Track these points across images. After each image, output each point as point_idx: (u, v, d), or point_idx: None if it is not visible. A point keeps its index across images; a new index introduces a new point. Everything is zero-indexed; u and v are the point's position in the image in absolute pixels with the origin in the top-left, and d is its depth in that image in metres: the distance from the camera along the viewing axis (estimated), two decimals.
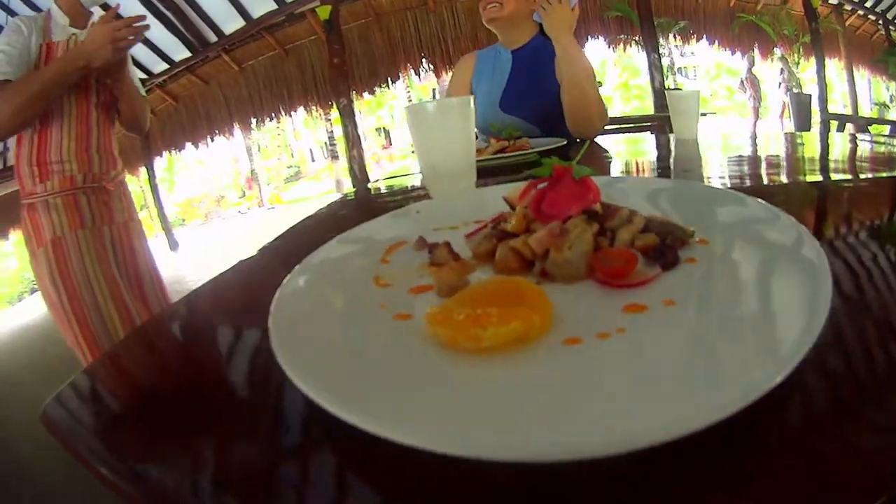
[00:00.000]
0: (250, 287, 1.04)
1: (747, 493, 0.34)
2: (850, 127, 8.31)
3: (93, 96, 2.49)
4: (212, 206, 21.97)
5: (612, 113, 2.43)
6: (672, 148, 2.01)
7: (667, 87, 9.70)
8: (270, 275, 1.08)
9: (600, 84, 2.33)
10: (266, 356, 0.65)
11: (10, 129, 2.30)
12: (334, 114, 10.86)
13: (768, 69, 13.96)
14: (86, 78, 2.41)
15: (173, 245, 12.04)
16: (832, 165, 1.56)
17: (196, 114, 11.40)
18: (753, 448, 0.37)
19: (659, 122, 4.49)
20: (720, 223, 0.72)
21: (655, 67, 9.37)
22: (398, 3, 9.90)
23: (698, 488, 0.35)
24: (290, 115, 11.40)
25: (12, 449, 3.53)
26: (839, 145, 1.95)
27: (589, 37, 10.12)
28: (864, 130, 7.46)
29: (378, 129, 28.61)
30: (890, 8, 11.16)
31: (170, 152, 12.14)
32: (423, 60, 10.22)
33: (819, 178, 1.37)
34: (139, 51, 8.87)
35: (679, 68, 19.29)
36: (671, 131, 2.11)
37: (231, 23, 9.26)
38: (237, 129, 11.67)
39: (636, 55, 12.33)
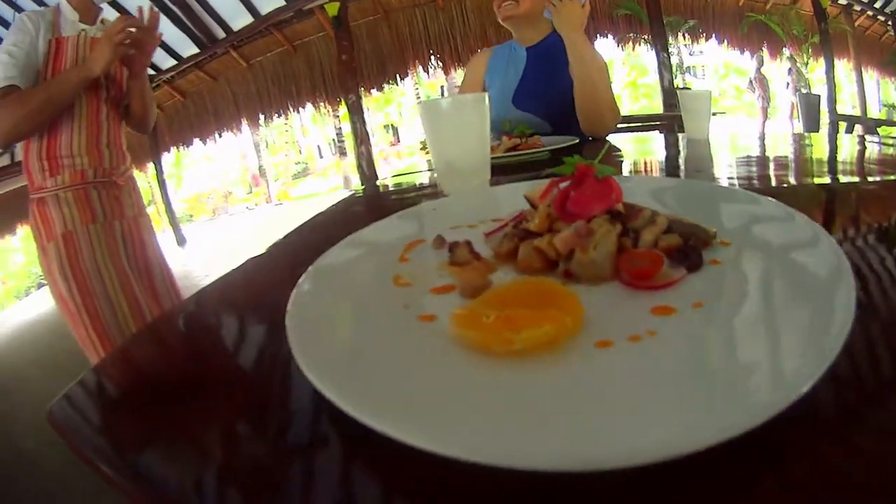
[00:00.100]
0: (260, 285, 1.03)
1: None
2: (858, 128, 8.27)
3: (102, 92, 2.48)
4: (219, 201, 22.00)
5: (621, 111, 2.41)
6: (684, 148, 2.00)
7: (675, 86, 9.68)
8: (281, 273, 1.08)
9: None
10: (276, 355, 0.64)
11: (12, 139, 2.30)
12: (342, 110, 10.85)
13: (777, 69, 13.91)
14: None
15: (181, 240, 12.07)
16: (841, 167, 1.55)
17: (204, 109, 11.41)
18: (761, 454, 0.36)
19: (668, 122, 4.47)
20: (740, 224, 0.71)
21: (664, 66, 9.35)
22: (407, 0, 9.88)
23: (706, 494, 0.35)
24: (298, 112, 11.39)
25: (18, 443, 3.54)
26: (848, 147, 1.93)
27: (598, 35, 10.09)
28: (873, 132, 7.42)
29: (386, 126, 28.65)
30: None
31: (177, 148, 12.17)
32: (432, 57, 10.20)
33: (829, 180, 1.35)
34: None
35: (688, 67, 19.24)
36: (679, 130, 2.09)
37: (239, 19, 9.26)
38: (245, 125, 11.68)
39: (645, 54, 12.32)
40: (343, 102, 9.28)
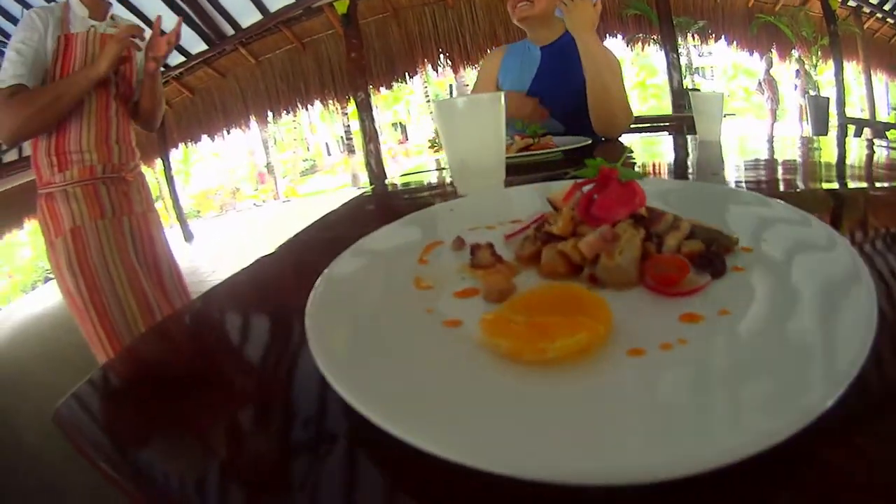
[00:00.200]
0: (271, 285, 1.02)
1: None
2: (867, 132, 8.24)
3: (112, 88, 2.48)
4: (227, 197, 22.07)
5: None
6: (696, 150, 1.98)
7: (685, 86, 9.66)
8: (291, 273, 1.07)
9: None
10: (287, 356, 0.64)
11: (19, 138, 2.30)
12: (351, 108, 10.86)
13: (786, 71, 13.88)
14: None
15: (188, 236, 12.11)
16: (849, 172, 1.53)
17: (212, 106, 11.42)
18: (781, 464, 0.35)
19: (677, 123, 4.45)
20: (760, 230, 0.70)
21: (674, 67, 9.33)
22: None
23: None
24: (307, 109, 11.38)
25: (22, 438, 3.55)
26: (856, 151, 1.92)
27: (607, 35, 10.08)
28: (882, 136, 7.39)
29: (394, 124, 28.73)
30: None
31: (185, 144, 12.18)
32: (441, 56, 10.19)
33: (837, 185, 1.34)
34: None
35: (697, 68, 19.22)
36: (689, 132, 2.08)
37: (248, 16, 9.25)
38: (253, 122, 11.68)
39: (654, 54, 12.31)
40: (352, 100, 9.26)
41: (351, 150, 18.79)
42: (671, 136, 3.39)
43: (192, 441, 0.52)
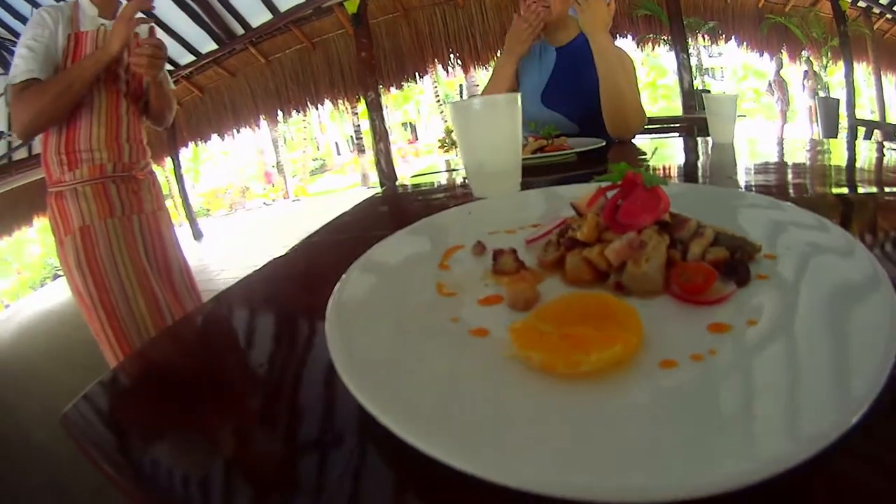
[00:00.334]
0: (284, 288, 1.01)
1: None
2: (877, 134, 8.22)
3: (122, 86, 2.48)
4: (236, 196, 22.12)
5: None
6: (711, 152, 1.97)
7: (695, 87, 9.64)
8: (305, 275, 1.06)
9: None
10: (299, 361, 0.63)
11: (34, 130, 2.30)
12: (361, 107, 10.87)
13: (796, 72, 13.83)
14: (114, 69, 2.40)
15: (197, 235, 12.15)
16: (859, 176, 1.52)
17: (222, 105, 11.45)
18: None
19: (688, 125, 4.44)
20: (780, 236, 0.69)
21: (684, 68, 9.32)
22: None
23: None
24: (317, 108, 11.39)
25: (29, 434, 3.56)
26: (866, 154, 1.90)
27: (617, 35, 10.06)
28: (892, 138, 7.37)
29: (404, 124, 28.78)
30: None
31: (195, 143, 12.22)
32: (451, 56, 10.18)
33: (847, 190, 1.33)
34: (166, 42, 8.88)
35: (707, 69, 19.19)
36: (699, 134, 2.07)
37: (258, 16, 9.26)
38: (263, 122, 11.70)
39: (664, 55, 12.28)
40: (362, 99, 9.27)
41: (361, 150, 18.84)
42: (682, 138, 3.38)
43: (201, 445, 0.52)
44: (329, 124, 29.29)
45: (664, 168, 1.80)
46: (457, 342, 0.55)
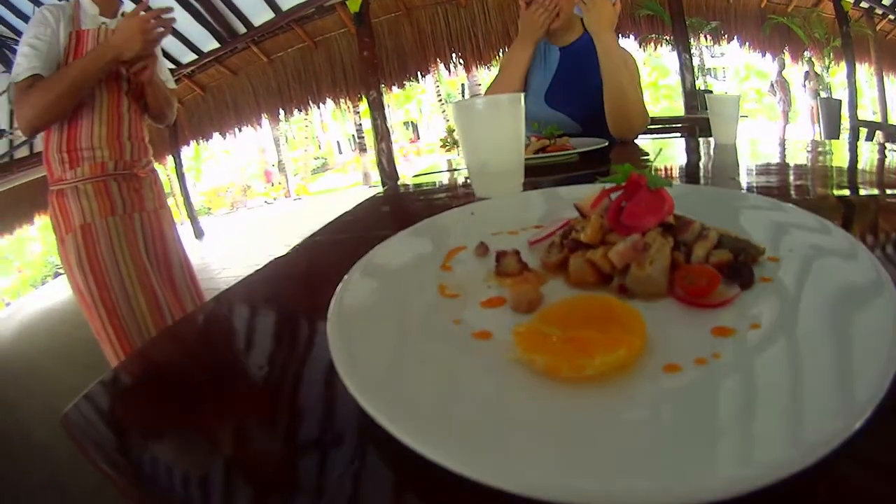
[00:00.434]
0: (285, 288, 1.01)
1: None
2: (879, 135, 8.21)
3: (123, 84, 2.48)
4: (238, 195, 22.14)
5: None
6: (713, 153, 1.97)
7: (697, 87, 9.64)
8: (306, 275, 1.06)
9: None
10: (296, 362, 0.63)
11: (39, 127, 2.31)
12: (363, 106, 10.87)
13: (798, 72, 13.82)
14: (116, 67, 2.39)
15: (198, 233, 12.16)
16: (861, 178, 1.52)
17: (224, 104, 11.46)
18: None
19: (690, 125, 4.42)
20: (784, 239, 0.69)
21: (687, 68, 9.30)
22: None
23: None
24: (319, 107, 11.40)
25: (30, 433, 3.57)
26: (868, 156, 1.90)
27: (620, 35, 10.00)
28: (894, 139, 7.36)
29: (406, 123, 28.81)
30: None
31: (197, 142, 12.23)
32: (453, 55, 10.18)
33: (849, 192, 1.32)
34: (168, 41, 8.91)
35: (709, 69, 19.18)
36: (701, 134, 2.07)
37: (260, 14, 9.26)
38: (265, 120, 11.71)
39: (666, 55, 12.28)
40: (363, 98, 9.28)
41: (362, 149, 18.82)
42: (685, 139, 3.38)
43: (201, 445, 0.52)
44: (331, 123, 29.31)
45: (666, 168, 1.80)
46: (459, 345, 0.54)
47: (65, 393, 0.60)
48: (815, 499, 0.35)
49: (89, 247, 2.33)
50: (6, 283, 15.72)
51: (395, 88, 10.96)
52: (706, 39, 11.20)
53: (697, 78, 10.58)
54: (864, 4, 10.64)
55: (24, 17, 7.35)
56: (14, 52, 2.36)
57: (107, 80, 2.39)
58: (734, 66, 23.46)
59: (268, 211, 17.18)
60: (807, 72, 13.06)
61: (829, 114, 11.10)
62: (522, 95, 1.31)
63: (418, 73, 10.48)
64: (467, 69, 10.67)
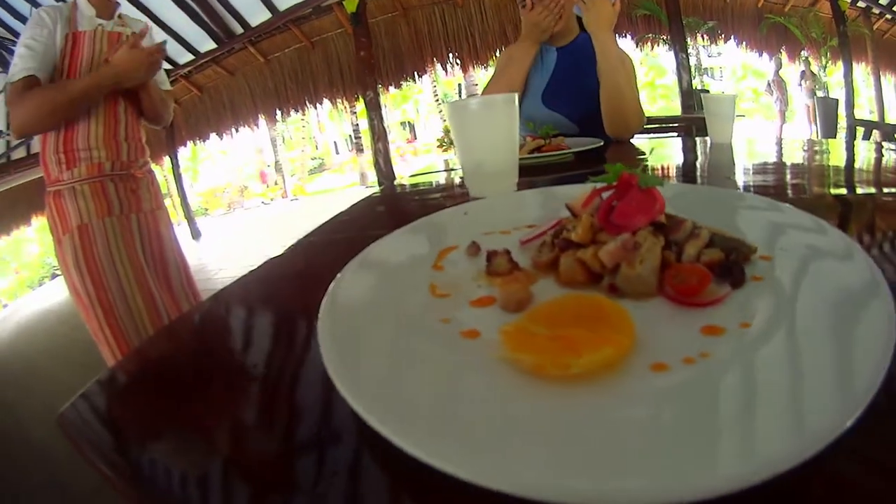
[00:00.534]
0: (280, 288, 1.01)
1: None
2: (876, 134, 8.22)
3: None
4: (235, 195, 22.14)
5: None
6: (709, 152, 1.97)
7: (694, 87, 9.64)
8: (301, 275, 1.06)
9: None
10: (291, 362, 0.63)
11: (31, 133, 2.34)
12: (360, 107, 10.88)
13: (795, 72, 13.84)
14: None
15: (196, 234, 12.14)
16: (857, 177, 1.52)
17: (221, 104, 11.46)
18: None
19: (686, 125, 4.43)
20: (777, 237, 0.69)
21: (683, 68, 9.32)
22: None
23: None
24: (315, 108, 11.40)
25: (29, 433, 3.56)
26: (865, 155, 1.90)
27: (616, 34, 9.99)
28: (891, 138, 7.36)
29: (403, 123, 28.81)
30: None
31: (194, 142, 12.22)
32: (450, 55, 10.19)
33: (846, 191, 1.33)
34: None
35: (706, 69, 19.19)
36: (698, 133, 2.07)
37: (257, 15, 9.26)
38: (262, 121, 11.71)
39: (663, 54, 12.29)
40: (360, 99, 9.28)
41: (359, 149, 18.84)
42: (681, 138, 3.38)
43: (198, 445, 0.52)
44: (328, 123, 29.31)
45: (662, 168, 1.80)
46: (447, 343, 0.54)
47: (63, 393, 0.60)
48: (810, 495, 0.35)
49: (86, 247, 2.33)
50: (4, 284, 15.72)
51: (391, 88, 10.98)
52: (703, 39, 11.23)
53: (694, 77, 10.62)
54: (861, 4, 10.68)
55: (22, 19, 7.35)
56: (11, 52, 2.37)
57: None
58: (731, 66, 23.49)
59: (265, 211, 17.18)
60: (803, 71, 13.08)
61: (826, 113, 11.13)
62: (516, 95, 1.31)
63: (415, 73, 10.50)
64: (464, 69, 10.67)
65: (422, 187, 1.97)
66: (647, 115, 2.42)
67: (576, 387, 0.43)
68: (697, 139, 2.55)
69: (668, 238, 0.66)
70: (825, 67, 12.00)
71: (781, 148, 2.20)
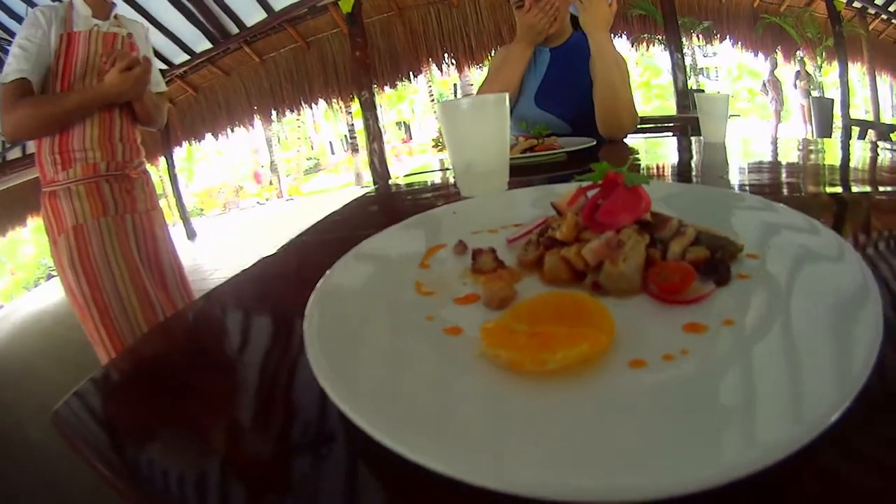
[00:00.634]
0: (273, 287, 1.01)
1: None
2: (871, 134, 8.23)
3: None
4: (230, 196, 22.11)
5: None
6: (701, 152, 1.98)
7: (689, 87, 9.65)
8: (293, 274, 1.06)
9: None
10: (286, 359, 0.63)
11: (20, 140, 2.35)
12: (355, 107, 10.88)
13: (791, 72, 13.85)
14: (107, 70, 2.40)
15: (191, 234, 12.12)
16: (853, 175, 1.52)
17: (216, 105, 11.45)
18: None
19: (682, 124, 4.43)
20: (765, 236, 0.69)
21: (679, 67, 9.32)
22: None
23: None
24: (311, 108, 11.41)
25: (26, 434, 3.56)
26: (860, 154, 1.90)
27: (612, 35, 9.99)
28: (886, 138, 7.36)
29: (398, 123, 28.80)
30: None
31: (189, 142, 12.21)
32: (446, 55, 10.20)
33: (841, 189, 1.33)
34: (160, 41, 8.91)
35: (701, 69, 19.22)
36: (693, 133, 2.07)
37: (253, 15, 9.26)
38: (257, 121, 11.70)
39: (658, 54, 12.30)
40: (356, 99, 9.27)
41: (354, 149, 18.80)
42: (675, 138, 3.38)
43: (192, 443, 0.52)
44: (323, 123, 29.29)
45: (657, 167, 1.80)
46: (429, 340, 0.55)
47: (59, 394, 0.61)
48: (803, 490, 0.35)
49: (81, 248, 2.33)
50: None
51: (387, 89, 11.00)
52: (698, 39, 11.23)
53: (690, 77, 10.62)
54: (856, 4, 10.69)
55: (19, 19, 7.35)
56: (7, 52, 2.37)
57: (99, 83, 2.39)
58: (727, 66, 23.51)
59: (260, 212, 17.15)
60: (798, 71, 13.08)
61: (822, 113, 11.13)
62: (507, 95, 1.31)
63: (410, 73, 10.52)
64: (459, 69, 10.68)
65: (415, 187, 1.97)
66: (642, 114, 2.42)
67: (552, 383, 0.44)
68: (692, 139, 2.55)
69: (654, 236, 0.66)
70: (820, 67, 12.01)
71: (776, 147, 2.20)
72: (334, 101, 10.99)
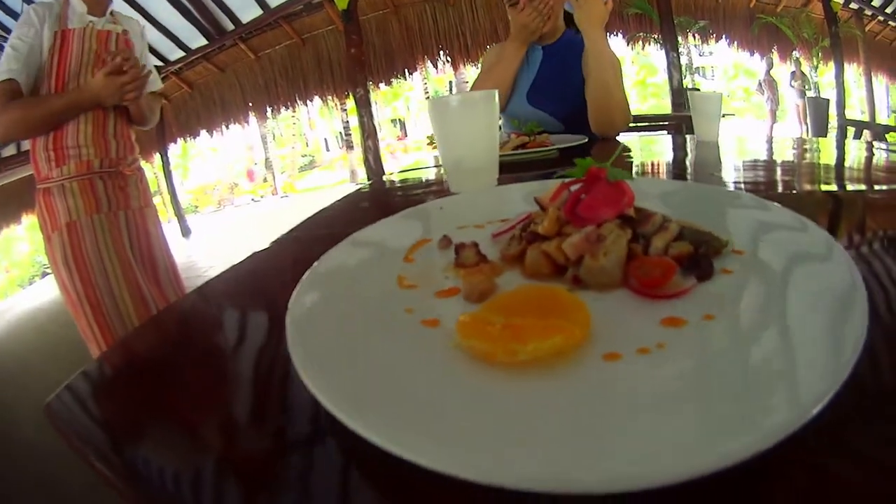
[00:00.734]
0: (264, 281, 1.01)
1: None
2: (866, 134, 8.24)
3: None
4: (225, 193, 22.08)
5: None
6: (694, 150, 1.98)
7: (685, 86, 9.65)
8: (285, 268, 1.07)
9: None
10: (277, 353, 0.63)
11: (12, 140, 2.35)
12: (350, 104, 10.86)
13: (787, 72, 13.87)
14: (100, 66, 2.40)
15: (185, 231, 12.11)
16: (848, 174, 1.52)
17: (211, 101, 11.44)
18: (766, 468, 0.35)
19: (676, 122, 4.44)
20: (752, 232, 0.69)
21: (674, 66, 9.31)
22: None
23: None
24: (306, 105, 11.39)
25: (20, 432, 3.55)
26: (855, 153, 1.90)
27: (608, 33, 9.98)
28: (881, 138, 7.38)
29: (393, 121, 28.77)
30: None
31: (184, 139, 12.19)
32: (441, 53, 10.19)
33: (836, 187, 1.33)
34: (156, 38, 8.90)
35: (697, 68, 19.22)
36: (688, 132, 2.08)
37: (248, 11, 9.26)
38: (252, 118, 11.68)
39: (654, 53, 12.31)
40: (351, 96, 9.26)
41: (349, 146, 18.78)
42: (670, 136, 3.39)
43: (184, 436, 0.52)
44: (318, 120, 29.26)
45: (652, 164, 1.81)
46: (406, 331, 0.55)
47: (52, 390, 0.61)
48: (791, 484, 0.35)
49: (75, 244, 2.33)
50: None
51: (382, 86, 11.02)
52: (694, 38, 11.23)
53: (685, 76, 10.62)
54: (853, 5, 10.71)
55: (15, 16, 7.33)
56: (1, 49, 2.38)
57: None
58: (722, 65, 23.52)
59: (255, 209, 17.15)
60: (793, 71, 13.10)
61: (817, 113, 11.14)
62: (496, 92, 1.32)
63: (406, 70, 10.49)
64: (455, 67, 10.66)
65: (407, 183, 1.97)
66: (637, 113, 2.43)
67: (526, 374, 0.44)
68: (687, 137, 2.55)
69: (637, 231, 0.66)
70: (816, 68, 12.02)
71: (771, 146, 2.20)
72: (329, 97, 10.97)
